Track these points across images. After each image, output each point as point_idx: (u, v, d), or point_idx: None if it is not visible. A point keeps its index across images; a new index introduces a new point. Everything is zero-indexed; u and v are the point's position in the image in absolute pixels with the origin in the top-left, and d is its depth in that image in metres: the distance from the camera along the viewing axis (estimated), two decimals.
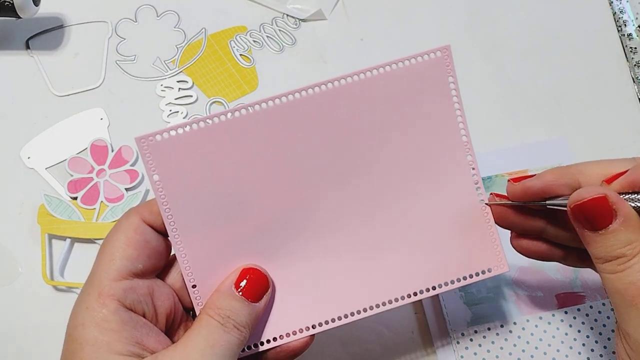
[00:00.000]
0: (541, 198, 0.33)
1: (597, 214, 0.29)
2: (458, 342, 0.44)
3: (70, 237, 0.47)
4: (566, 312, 0.44)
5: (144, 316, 0.32)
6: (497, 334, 0.44)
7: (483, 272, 0.35)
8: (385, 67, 0.34)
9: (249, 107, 0.33)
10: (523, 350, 0.44)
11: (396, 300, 0.35)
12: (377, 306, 0.35)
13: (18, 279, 0.46)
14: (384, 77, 0.34)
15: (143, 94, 0.51)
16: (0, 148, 0.50)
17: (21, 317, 0.46)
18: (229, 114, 0.33)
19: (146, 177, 0.46)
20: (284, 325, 0.34)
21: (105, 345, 0.29)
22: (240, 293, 0.32)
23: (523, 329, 0.44)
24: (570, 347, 0.44)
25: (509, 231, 0.36)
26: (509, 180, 0.34)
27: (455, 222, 0.35)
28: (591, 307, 0.44)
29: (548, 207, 0.33)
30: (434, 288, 0.35)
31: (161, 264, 0.34)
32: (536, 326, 0.44)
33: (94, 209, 0.47)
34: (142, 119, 0.51)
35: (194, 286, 0.33)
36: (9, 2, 0.47)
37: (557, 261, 0.36)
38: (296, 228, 0.34)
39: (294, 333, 0.34)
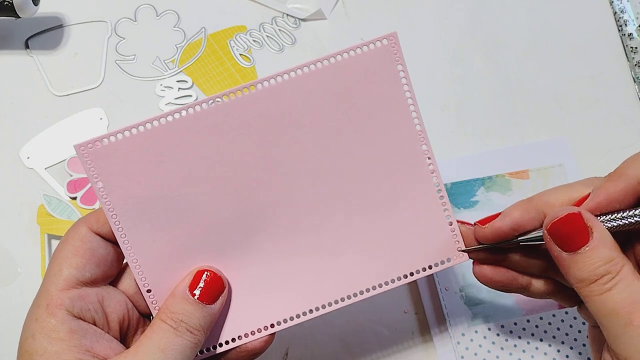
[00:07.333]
0: (512, 237, 0.32)
1: (574, 232, 0.29)
2: (458, 343, 0.44)
3: None
4: (567, 312, 0.44)
5: (94, 324, 0.32)
6: (498, 334, 0.44)
7: (442, 263, 0.35)
8: (330, 58, 0.33)
9: (190, 108, 0.32)
10: (524, 351, 0.43)
11: (355, 295, 0.34)
12: (336, 302, 0.34)
13: (18, 279, 0.46)
14: (329, 70, 0.33)
15: (143, 93, 0.51)
16: (0, 148, 0.49)
17: (21, 317, 0.45)
18: (169, 117, 0.32)
19: None
20: (243, 325, 0.34)
21: (54, 355, 0.29)
22: (195, 296, 0.32)
23: (523, 329, 0.44)
24: (571, 348, 0.44)
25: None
26: (475, 224, 0.34)
27: (412, 213, 0.35)
28: None
29: (521, 244, 0.32)
30: (392, 281, 0.34)
31: (113, 272, 0.34)
32: (536, 326, 0.44)
33: (94, 209, 0.47)
34: (141, 118, 0.50)
35: (148, 291, 0.33)
36: (8, 1, 0.47)
37: (519, 292, 0.35)
38: (250, 227, 0.34)
39: (253, 333, 0.34)
